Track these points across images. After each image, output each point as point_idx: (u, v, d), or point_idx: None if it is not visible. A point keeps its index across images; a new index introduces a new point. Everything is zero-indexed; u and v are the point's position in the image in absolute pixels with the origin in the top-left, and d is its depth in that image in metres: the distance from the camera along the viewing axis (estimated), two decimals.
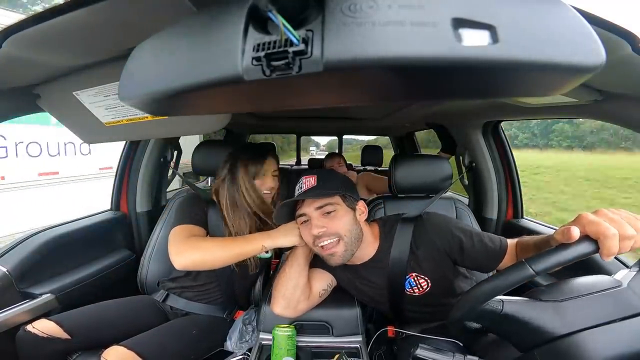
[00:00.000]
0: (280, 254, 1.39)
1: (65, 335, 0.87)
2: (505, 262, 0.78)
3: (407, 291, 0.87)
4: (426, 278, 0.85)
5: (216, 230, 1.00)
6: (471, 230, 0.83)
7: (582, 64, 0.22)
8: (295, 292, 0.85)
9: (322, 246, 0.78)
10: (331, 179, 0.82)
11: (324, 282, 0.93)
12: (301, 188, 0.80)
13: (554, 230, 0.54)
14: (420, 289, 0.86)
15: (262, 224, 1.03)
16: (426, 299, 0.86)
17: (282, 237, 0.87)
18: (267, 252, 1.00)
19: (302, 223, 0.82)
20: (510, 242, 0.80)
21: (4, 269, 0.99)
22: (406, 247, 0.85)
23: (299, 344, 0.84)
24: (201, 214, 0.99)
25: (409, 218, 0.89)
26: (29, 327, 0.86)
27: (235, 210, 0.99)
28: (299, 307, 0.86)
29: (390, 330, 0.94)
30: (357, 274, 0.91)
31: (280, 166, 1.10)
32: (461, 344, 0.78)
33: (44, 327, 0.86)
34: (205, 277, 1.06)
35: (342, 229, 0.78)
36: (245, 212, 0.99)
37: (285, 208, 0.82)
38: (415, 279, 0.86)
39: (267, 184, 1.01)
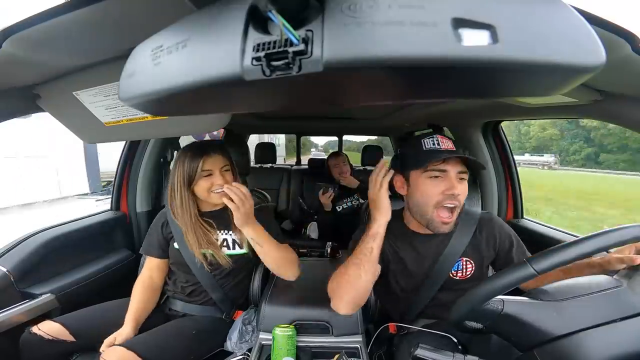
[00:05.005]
0: None
1: (70, 338, 0.87)
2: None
3: (452, 273, 0.88)
4: (473, 264, 0.88)
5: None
6: (520, 241, 0.90)
7: (582, 64, 0.22)
8: (367, 290, 0.80)
9: (448, 207, 0.78)
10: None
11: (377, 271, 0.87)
12: (438, 144, 0.79)
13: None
14: (464, 273, 0.88)
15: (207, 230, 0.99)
16: (462, 284, 0.88)
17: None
18: (241, 247, 1.01)
19: (430, 177, 0.80)
20: None
21: (4, 269, 0.99)
22: (470, 231, 0.88)
23: (299, 344, 0.84)
24: None
25: (474, 212, 0.92)
26: (34, 329, 0.86)
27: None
28: (362, 303, 0.82)
29: (392, 326, 0.94)
30: (410, 242, 0.90)
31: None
32: (455, 340, 0.78)
33: (49, 328, 0.86)
34: (185, 279, 1.05)
35: (464, 198, 0.81)
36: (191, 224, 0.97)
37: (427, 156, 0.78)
38: (465, 263, 0.88)
39: (216, 182, 0.94)
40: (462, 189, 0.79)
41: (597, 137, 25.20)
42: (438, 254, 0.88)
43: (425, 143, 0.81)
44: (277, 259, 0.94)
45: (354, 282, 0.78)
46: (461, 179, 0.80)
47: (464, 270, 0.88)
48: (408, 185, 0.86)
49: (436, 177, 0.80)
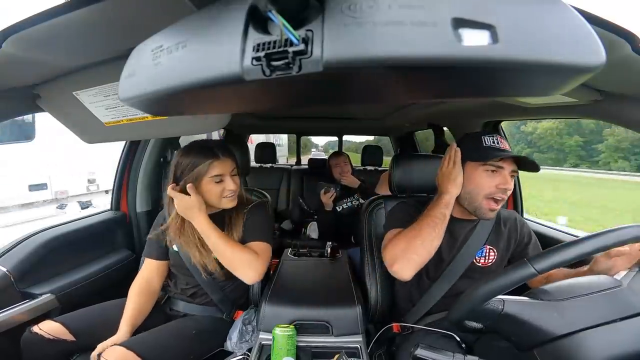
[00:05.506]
0: (280, 253, 1.39)
1: (70, 337, 0.87)
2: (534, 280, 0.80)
3: (475, 259, 0.92)
4: (496, 253, 0.93)
5: None
6: (537, 241, 0.97)
7: (582, 64, 0.22)
8: (430, 257, 0.82)
9: (495, 199, 0.84)
10: None
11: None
12: (498, 142, 0.86)
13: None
14: (486, 260, 0.93)
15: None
16: (483, 273, 0.92)
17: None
18: None
19: (487, 170, 0.86)
20: None
21: (4, 269, 0.99)
22: (493, 220, 0.94)
23: (299, 344, 0.84)
24: None
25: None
26: (35, 329, 0.86)
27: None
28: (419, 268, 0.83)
29: (396, 326, 0.94)
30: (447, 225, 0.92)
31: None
32: (458, 339, 0.78)
33: (50, 328, 0.86)
34: (186, 282, 1.05)
35: None
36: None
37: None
38: (488, 251, 0.93)
39: (229, 188, 0.93)
40: (512, 185, 0.85)
41: (533, 140, 31.19)
42: (466, 238, 0.93)
43: (485, 140, 0.88)
44: (226, 257, 0.90)
45: (428, 244, 0.81)
46: (512, 176, 0.86)
47: (487, 257, 0.93)
48: None
49: (493, 171, 0.85)
